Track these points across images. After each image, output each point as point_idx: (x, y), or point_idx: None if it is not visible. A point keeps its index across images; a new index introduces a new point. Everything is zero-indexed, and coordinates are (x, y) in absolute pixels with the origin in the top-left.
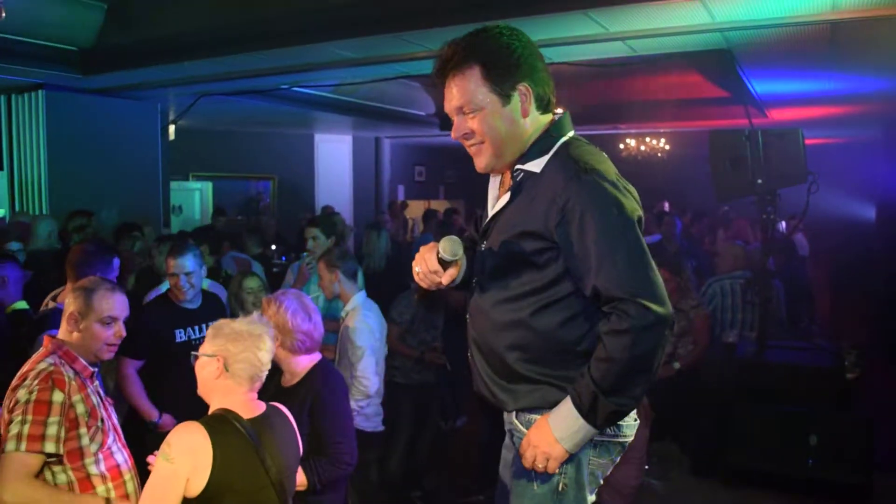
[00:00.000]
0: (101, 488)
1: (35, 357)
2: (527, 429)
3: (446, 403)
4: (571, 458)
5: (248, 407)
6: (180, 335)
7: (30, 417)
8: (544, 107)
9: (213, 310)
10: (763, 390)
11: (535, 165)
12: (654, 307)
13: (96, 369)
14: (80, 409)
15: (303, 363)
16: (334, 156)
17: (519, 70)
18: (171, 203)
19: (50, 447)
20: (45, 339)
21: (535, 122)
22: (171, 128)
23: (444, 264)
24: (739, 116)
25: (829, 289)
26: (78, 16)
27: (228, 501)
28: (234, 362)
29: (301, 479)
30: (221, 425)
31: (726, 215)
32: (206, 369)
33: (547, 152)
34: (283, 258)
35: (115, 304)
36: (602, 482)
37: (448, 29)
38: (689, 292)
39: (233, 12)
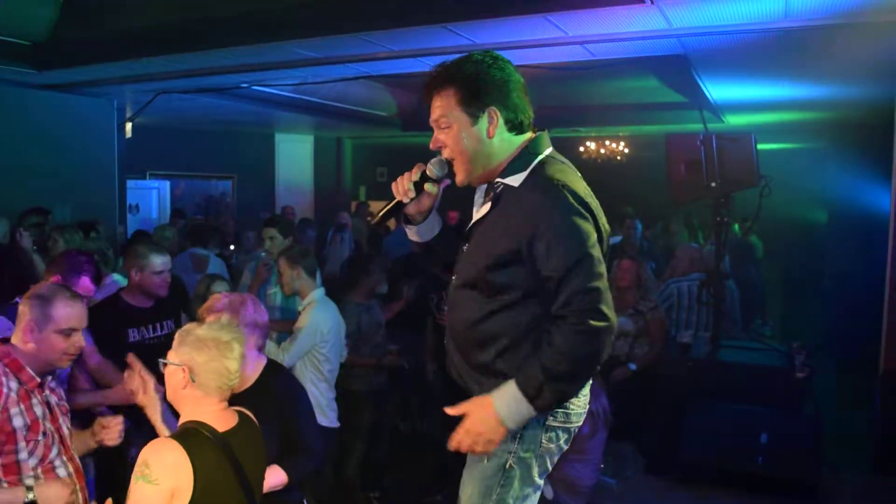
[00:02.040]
0: None
1: None
2: None
3: (407, 404)
4: (521, 438)
5: (221, 418)
6: (133, 335)
7: None
8: (517, 128)
9: (164, 308)
10: (716, 389)
11: (514, 180)
12: (606, 316)
13: (48, 377)
14: (18, 422)
15: (250, 366)
16: (295, 155)
17: (489, 95)
18: (127, 202)
19: None
20: None
21: (506, 142)
22: (128, 125)
23: (421, 184)
24: (696, 121)
25: (782, 290)
26: (32, 8)
27: None
28: (200, 373)
29: (282, 477)
30: (197, 441)
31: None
32: (173, 378)
33: (525, 169)
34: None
35: (76, 314)
36: (551, 469)
37: (409, 30)
38: (648, 293)
39: (192, 8)
